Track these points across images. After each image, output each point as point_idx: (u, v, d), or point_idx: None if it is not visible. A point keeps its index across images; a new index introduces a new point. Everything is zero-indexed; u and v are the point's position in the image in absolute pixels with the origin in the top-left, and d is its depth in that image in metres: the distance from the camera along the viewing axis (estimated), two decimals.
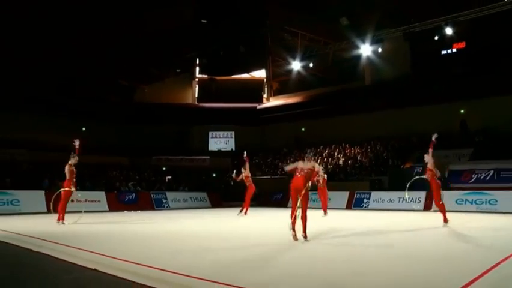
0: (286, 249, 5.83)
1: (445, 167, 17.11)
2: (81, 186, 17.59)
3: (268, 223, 10.92)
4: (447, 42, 20.60)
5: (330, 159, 23.84)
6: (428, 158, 9.48)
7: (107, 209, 16.47)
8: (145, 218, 12.87)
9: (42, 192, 15.46)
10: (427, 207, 15.65)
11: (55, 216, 10.26)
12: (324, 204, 13.27)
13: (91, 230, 9.04)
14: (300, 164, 6.78)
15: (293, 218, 6.50)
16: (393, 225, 10.23)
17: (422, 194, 16.36)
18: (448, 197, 15.44)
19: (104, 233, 8.49)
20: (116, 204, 16.88)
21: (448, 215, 9.62)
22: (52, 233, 8.14)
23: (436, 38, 20.05)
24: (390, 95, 23.16)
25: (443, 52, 21.52)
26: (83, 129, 26.43)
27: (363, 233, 8.25)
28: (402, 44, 21.61)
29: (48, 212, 12.05)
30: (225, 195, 21.51)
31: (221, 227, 9.88)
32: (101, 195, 16.93)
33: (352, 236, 7.62)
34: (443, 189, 15.72)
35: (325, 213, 13.06)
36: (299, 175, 6.59)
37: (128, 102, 27.49)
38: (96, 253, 5.49)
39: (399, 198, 16.86)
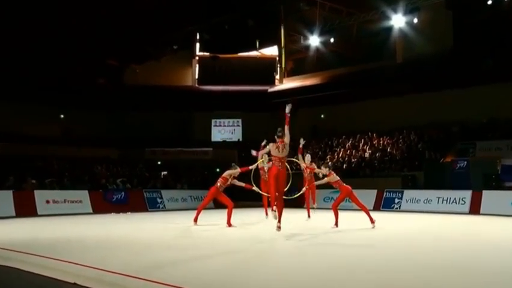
0: (301, 255, 6.16)
1: (496, 161, 16.74)
2: (59, 183, 17.55)
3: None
4: (502, 9, 19.74)
5: (354, 151, 23.68)
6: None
7: (90, 210, 16.48)
8: (136, 221, 13.06)
9: (10, 193, 15.15)
10: (473, 210, 15.34)
11: (26, 220, 10.26)
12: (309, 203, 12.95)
13: (70, 236, 8.98)
14: (272, 150, 7.87)
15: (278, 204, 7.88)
16: (432, 230, 10.29)
17: (467, 194, 16.04)
18: (500, 198, 15.05)
19: (87, 239, 8.51)
20: (102, 205, 16.89)
21: (503, 220, 9.42)
22: (22, 241, 8.05)
23: (489, 2, 19.10)
24: (427, 76, 22.68)
25: (496, 22, 20.73)
26: (62, 116, 26.49)
27: (393, 238, 8.32)
28: (444, 13, 21.10)
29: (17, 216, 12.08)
30: (231, 193, 21.27)
31: (226, 233, 9.85)
32: (83, 195, 16.86)
33: (379, 241, 7.73)
34: (495, 188, 15.45)
35: (309, 215, 12.83)
36: (278, 166, 7.97)
37: (116, 84, 27.30)
38: (76, 264, 5.51)
39: (438, 198, 16.71)
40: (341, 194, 10.38)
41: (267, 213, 12.85)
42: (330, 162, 19.28)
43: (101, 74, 26.53)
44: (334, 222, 10.38)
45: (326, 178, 10.44)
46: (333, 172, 10.47)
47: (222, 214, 11.59)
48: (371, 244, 7.70)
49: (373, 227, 10.00)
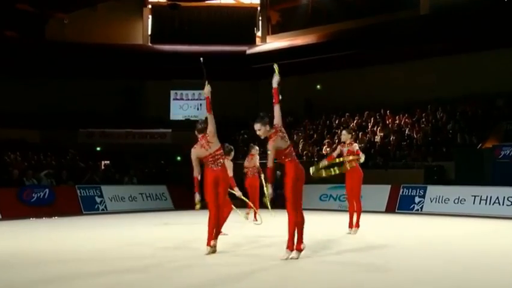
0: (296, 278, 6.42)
1: None
2: None
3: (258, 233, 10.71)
4: None
5: (360, 133, 23.52)
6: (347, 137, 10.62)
7: None
8: (65, 229, 13.17)
9: None
10: None
11: None
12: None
13: None
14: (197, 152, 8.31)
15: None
16: (467, 241, 10.34)
17: None
18: None
19: None
20: (16, 208, 16.71)
21: None
22: None
23: None
24: (462, 31, 22.56)
25: None
26: None
27: (414, 250, 8.63)
28: None
29: None
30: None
31: (187, 241, 9.90)
32: None
33: (394, 256, 8.06)
34: None
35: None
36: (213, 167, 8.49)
37: (34, 40, 26.87)
38: None
39: (474, 197, 16.69)
40: (355, 179, 10.35)
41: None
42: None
43: (11, 25, 25.72)
44: (350, 223, 10.55)
45: (354, 144, 10.47)
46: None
47: (189, 216, 12.04)
48: (384, 264, 7.57)
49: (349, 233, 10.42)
